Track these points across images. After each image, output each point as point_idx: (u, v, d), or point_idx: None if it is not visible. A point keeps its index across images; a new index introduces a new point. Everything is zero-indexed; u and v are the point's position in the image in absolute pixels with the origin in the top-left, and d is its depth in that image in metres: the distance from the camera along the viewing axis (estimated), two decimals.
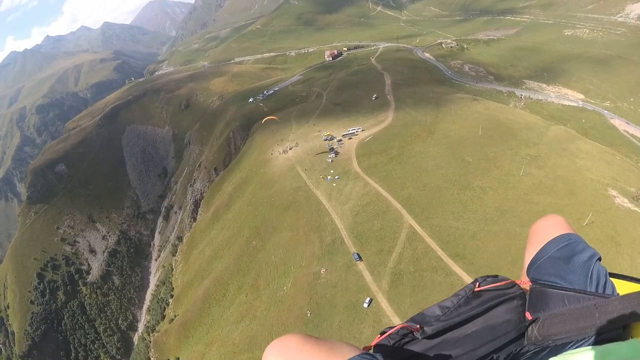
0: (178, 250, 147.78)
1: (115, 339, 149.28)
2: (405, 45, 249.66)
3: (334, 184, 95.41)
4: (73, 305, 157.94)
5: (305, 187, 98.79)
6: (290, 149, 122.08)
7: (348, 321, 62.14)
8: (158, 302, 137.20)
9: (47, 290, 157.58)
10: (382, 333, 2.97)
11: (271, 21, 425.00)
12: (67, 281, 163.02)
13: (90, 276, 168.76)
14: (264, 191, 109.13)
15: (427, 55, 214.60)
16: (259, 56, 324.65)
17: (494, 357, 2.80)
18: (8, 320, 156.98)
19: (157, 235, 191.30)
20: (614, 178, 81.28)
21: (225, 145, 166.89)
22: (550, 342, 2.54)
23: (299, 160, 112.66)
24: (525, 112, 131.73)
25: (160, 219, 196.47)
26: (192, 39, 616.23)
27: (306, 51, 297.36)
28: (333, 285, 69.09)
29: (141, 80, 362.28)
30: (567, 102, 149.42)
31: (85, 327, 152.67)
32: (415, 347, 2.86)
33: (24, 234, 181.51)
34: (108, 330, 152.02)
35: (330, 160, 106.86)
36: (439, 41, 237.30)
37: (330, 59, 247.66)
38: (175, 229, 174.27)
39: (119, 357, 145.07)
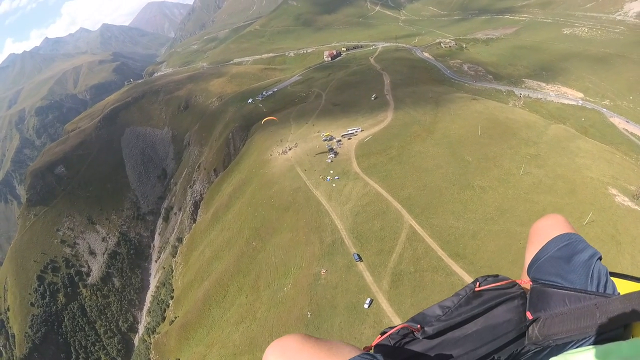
0: (178, 252, 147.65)
1: (115, 341, 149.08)
2: (404, 45, 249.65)
3: (334, 185, 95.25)
4: (73, 307, 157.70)
5: (305, 188, 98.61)
6: (289, 149, 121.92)
7: (349, 322, 61.98)
8: (158, 304, 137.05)
9: (48, 293, 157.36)
10: (383, 333, 2.96)
11: (270, 22, 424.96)
12: (67, 283, 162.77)
13: (90, 278, 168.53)
14: (263, 192, 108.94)
15: (426, 54, 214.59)
16: (257, 57, 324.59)
17: (495, 358, 2.77)
18: (8, 322, 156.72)
19: (156, 236, 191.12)
20: (614, 176, 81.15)
21: (225, 146, 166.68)
22: (551, 341, 2.53)
23: (299, 161, 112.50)
24: (524, 111, 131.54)
25: (160, 221, 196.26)
26: (191, 40, 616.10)
27: (305, 52, 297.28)
28: (333, 286, 68.93)
29: (140, 81, 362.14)
30: (566, 101, 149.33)
31: (86, 329, 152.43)
32: (416, 347, 2.85)
33: (23, 236, 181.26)
34: (108, 332, 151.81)
35: (329, 160, 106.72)
36: (437, 41, 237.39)
37: (329, 59, 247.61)
38: (175, 231, 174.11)
39: (119, 359, 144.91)
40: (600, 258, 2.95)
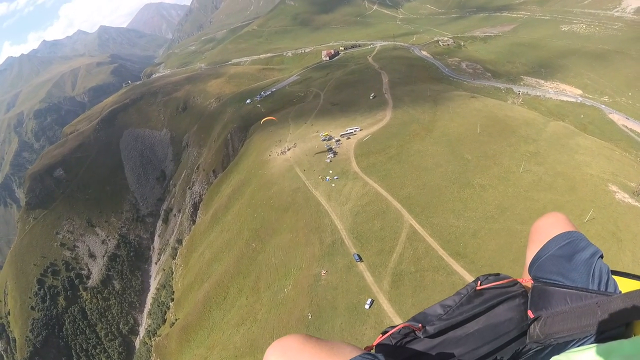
0: (178, 254, 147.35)
1: (116, 344, 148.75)
2: (402, 44, 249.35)
3: (333, 185, 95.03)
4: (74, 311, 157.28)
5: (304, 188, 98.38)
6: (288, 149, 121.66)
7: (349, 323, 61.74)
8: (159, 306, 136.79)
9: (48, 296, 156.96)
10: (384, 333, 2.95)
11: (267, 22, 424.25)
12: (68, 286, 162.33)
13: (90, 281, 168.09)
14: (262, 193, 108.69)
15: (424, 53, 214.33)
16: (255, 57, 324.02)
17: (498, 357, 2.79)
18: (9, 326, 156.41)
19: (156, 238, 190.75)
20: (614, 173, 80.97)
21: (224, 147, 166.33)
22: (552, 340, 2.54)
23: (298, 161, 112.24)
24: (523, 108, 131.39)
25: (160, 222, 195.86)
26: (189, 41, 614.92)
27: (303, 51, 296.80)
28: (334, 287, 68.69)
29: (138, 83, 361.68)
30: (565, 98, 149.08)
31: (87, 332, 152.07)
32: (418, 346, 2.85)
33: (23, 240, 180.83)
34: (109, 334, 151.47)
35: (328, 160, 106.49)
36: (435, 39, 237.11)
37: (327, 58, 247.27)
38: (174, 232, 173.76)
39: None
40: (601, 256, 2.96)
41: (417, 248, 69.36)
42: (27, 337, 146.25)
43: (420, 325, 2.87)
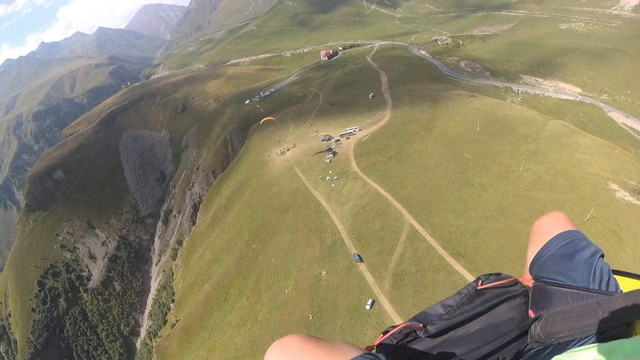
0: (178, 255, 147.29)
1: (117, 345, 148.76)
2: (401, 43, 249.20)
3: (333, 185, 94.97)
4: (74, 312, 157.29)
5: (304, 189, 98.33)
6: (287, 150, 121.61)
7: (350, 324, 61.71)
8: (159, 307, 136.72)
9: (48, 298, 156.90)
10: (385, 332, 2.95)
11: (266, 22, 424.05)
12: (68, 288, 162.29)
13: (91, 282, 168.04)
14: (262, 193, 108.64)
15: (423, 52, 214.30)
16: (254, 57, 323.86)
17: (500, 357, 2.79)
18: (10, 328, 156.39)
19: (156, 239, 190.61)
20: (614, 172, 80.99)
21: (223, 148, 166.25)
22: (553, 340, 2.55)
23: (297, 162, 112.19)
24: (522, 107, 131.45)
25: (160, 223, 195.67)
26: (187, 42, 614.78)
27: (301, 51, 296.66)
28: (334, 288, 68.65)
29: (137, 84, 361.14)
30: (564, 96, 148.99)
31: (88, 333, 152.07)
32: (419, 346, 2.84)
33: (23, 242, 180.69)
34: (110, 336, 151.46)
35: (328, 160, 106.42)
36: (434, 38, 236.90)
37: (326, 58, 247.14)
38: (174, 233, 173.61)
39: None
40: (602, 256, 2.96)
41: (417, 248, 69.32)
42: (28, 338, 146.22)
43: (421, 325, 2.86)
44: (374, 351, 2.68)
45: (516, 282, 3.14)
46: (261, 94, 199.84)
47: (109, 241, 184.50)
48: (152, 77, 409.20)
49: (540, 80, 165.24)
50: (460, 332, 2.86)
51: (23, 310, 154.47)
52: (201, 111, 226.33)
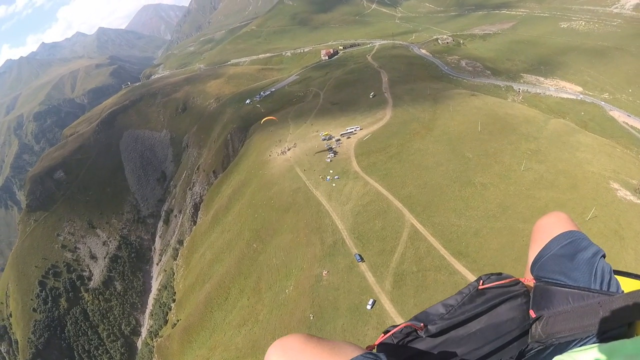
0: (179, 254, 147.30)
1: (118, 345, 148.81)
2: (401, 42, 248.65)
3: (334, 184, 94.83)
4: (76, 312, 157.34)
5: (305, 188, 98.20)
6: (288, 149, 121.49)
7: (351, 324, 61.60)
8: (160, 307, 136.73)
9: (50, 298, 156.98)
10: (386, 332, 2.95)
11: (266, 22, 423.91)
12: (69, 288, 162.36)
13: (92, 282, 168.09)
14: (263, 193, 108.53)
15: (424, 51, 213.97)
16: (254, 57, 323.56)
17: (501, 358, 2.79)
18: (11, 328, 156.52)
19: (157, 239, 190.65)
20: (615, 171, 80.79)
21: (223, 148, 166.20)
22: (554, 340, 2.54)
23: (298, 161, 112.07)
24: (523, 106, 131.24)
25: (161, 223, 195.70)
26: (188, 42, 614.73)
27: (302, 51, 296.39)
28: (335, 288, 68.54)
29: (137, 84, 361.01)
30: (565, 95, 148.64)
31: (89, 333, 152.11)
32: (419, 346, 2.84)
33: (24, 242, 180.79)
34: (111, 335, 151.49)
35: (329, 160, 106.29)
36: (435, 37, 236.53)
37: (326, 58, 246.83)
38: (175, 233, 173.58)
39: None
40: (603, 256, 2.97)
41: (418, 248, 69.20)
42: (29, 339, 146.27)
43: (422, 324, 2.86)
44: (374, 351, 2.66)
45: (517, 282, 3.14)
46: (262, 93, 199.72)
47: (110, 241, 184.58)
48: (153, 77, 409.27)
49: (541, 79, 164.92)
50: (461, 332, 2.85)
51: (24, 311, 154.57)
52: (202, 111, 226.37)
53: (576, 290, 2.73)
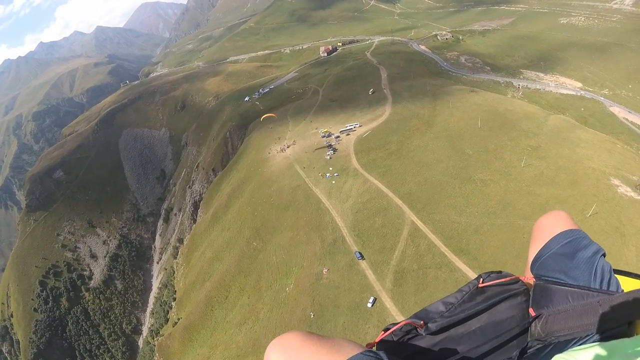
0: (179, 253, 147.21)
1: (120, 343, 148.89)
2: (400, 39, 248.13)
3: (333, 182, 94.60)
4: (77, 311, 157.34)
5: (305, 186, 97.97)
6: (287, 147, 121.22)
7: (352, 322, 61.49)
8: (161, 305, 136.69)
9: (50, 298, 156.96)
10: (386, 330, 2.93)
11: (264, 19, 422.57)
12: (70, 287, 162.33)
13: (92, 281, 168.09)
14: (262, 191, 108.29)
15: (423, 47, 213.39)
16: (253, 54, 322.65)
17: (501, 356, 2.79)
18: (12, 329, 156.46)
19: (157, 237, 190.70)
20: (615, 167, 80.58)
21: (223, 146, 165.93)
22: (553, 338, 2.56)
23: (297, 159, 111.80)
24: (523, 102, 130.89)
25: (160, 222, 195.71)
26: (186, 40, 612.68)
27: (300, 48, 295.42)
28: (336, 286, 68.41)
29: (136, 83, 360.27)
30: (565, 91, 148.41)
31: (90, 332, 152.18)
32: (420, 344, 2.83)
33: (24, 242, 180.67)
34: (113, 334, 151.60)
35: (328, 157, 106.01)
36: (434, 33, 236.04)
37: (325, 54, 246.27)
38: (175, 231, 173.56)
39: None
40: (604, 255, 2.98)
41: (419, 245, 69.03)
42: (30, 338, 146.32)
43: (422, 322, 2.87)
44: (374, 348, 2.67)
45: (517, 280, 3.13)
46: (260, 90, 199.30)
47: (110, 240, 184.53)
48: (151, 75, 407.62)
49: (541, 74, 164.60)
50: (461, 330, 2.85)
51: (25, 311, 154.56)
52: (200, 109, 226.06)
53: (576, 289, 2.75)
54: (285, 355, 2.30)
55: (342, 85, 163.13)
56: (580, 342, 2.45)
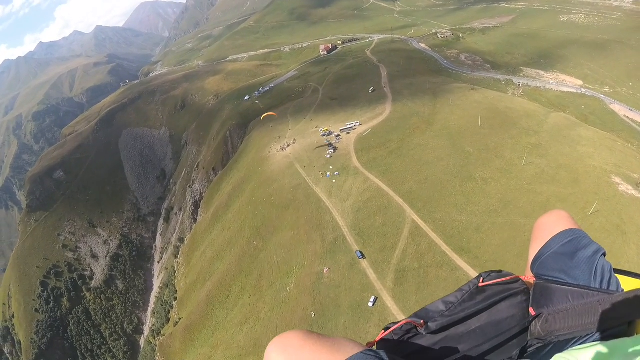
0: (180, 252, 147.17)
1: (121, 343, 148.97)
2: (400, 37, 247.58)
3: (334, 180, 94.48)
4: (78, 312, 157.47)
5: (305, 185, 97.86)
6: (288, 146, 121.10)
7: (353, 321, 61.44)
8: (162, 305, 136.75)
9: (51, 298, 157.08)
10: (386, 329, 2.93)
11: (264, 17, 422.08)
12: (71, 288, 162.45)
13: (93, 281, 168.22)
14: (263, 190, 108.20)
15: (423, 45, 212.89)
16: (253, 53, 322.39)
17: (501, 355, 2.80)
18: (14, 329, 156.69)
19: (158, 237, 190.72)
20: (616, 165, 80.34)
21: (223, 145, 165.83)
22: (553, 337, 2.57)
23: (298, 157, 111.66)
24: (524, 100, 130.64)
25: (161, 221, 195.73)
26: (186, 39, 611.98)
27: (300, 46, 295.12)
28: (337, 285, 68.33)
29: (136, 82, 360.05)
30: (565, 89, 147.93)
31: (91, 332, 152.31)
32: (420, 343, 2.83)
33: (25, 243, 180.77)
34: (114, 334, 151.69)
35: (328, 156, 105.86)
36: (434, 31, 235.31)
37: (325, 53, 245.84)
38: (176, 231, 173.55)
39: None
40: (604, 254, 2.98)
41: (420, 244, 68.91)
42: (32, 339, 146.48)
43: (422, 321, 2.87)
44: (375, 347, 2.66)
45: (517, 280, 3.13)
46: (260, 89, 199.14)
47: (111, 240, 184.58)
48: (151, 74, 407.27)
49: (541, 72, 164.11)
50: (461, 329, 2.85)
51: (26, 311, 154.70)
52: (200, 108, 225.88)
53: (576, 289, 2.75)
54: (286, 354, 2.29)
55: (342, 83, 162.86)
56: (581, 341, 2.46)
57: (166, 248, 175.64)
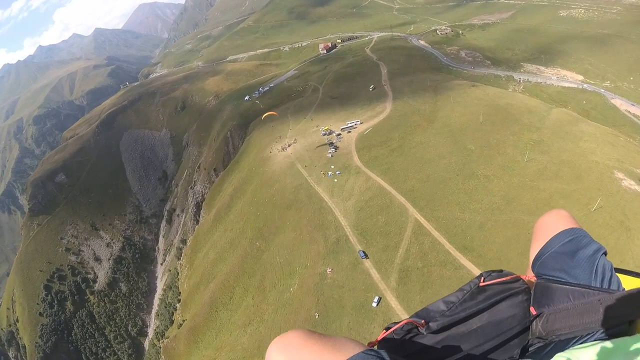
0: (182, 254, 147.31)
1: (126, 346, 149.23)
2: (400, 34, 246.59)
3: (335, 180, 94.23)
4: (82, 315, 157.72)
5: (307, 185, 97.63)
6: (289, 145, 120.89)
7: (357, 322, 61.24)
8: (166, 307, 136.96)
9: (55, 302, 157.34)
10: (387, 329, 2.93)
11: (263, 17, 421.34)
12: (75, 291, 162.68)
13: (97, 284, 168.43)
14: (264, 190, 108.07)
15: (422, 42, 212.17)
16: (252, 53, 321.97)
17: (501, 355, 2.81)
18: (18, 333, 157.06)
19: (161, 239, 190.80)
20: (619, 160, 79.84)
21: (224, 145, 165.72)
22: (554, 337, 2.57)
23: (299, 157, 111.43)
24: (525, 96, 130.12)
25: (163, 223, 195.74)
26: (185, 40, 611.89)
27: (300, 45, 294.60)
28: (340, 285, 68.13)
29: (136, 84, 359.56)
30: (566, 84, 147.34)
31: (96, 335, 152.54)
32: (421, 342, 2.84)
33: (28, 247, 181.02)
34: (118, 337, 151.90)
35: (330, 155, 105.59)
36: (433, 28, 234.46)
37: (325, 51, 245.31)
38: (178, 233, 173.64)
39: None
40: (605, 253, 2.99)
41: (423, 243, 68.63)
42: (36, 343, 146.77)
43: (423, 321, 2.88)
44: (376, 347, 2.68)
45: (518, 279, 3.13)
46: (260, 89, 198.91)
47: (114, 242, 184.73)
48: (151, 76, 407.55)
49: (542, 68, 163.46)
50: (462, 329, 2.86)
51: (30, 315, 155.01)
52: (201, 109, 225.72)
53: (577, 288, 2.75)
54: (286, 354, 2.29)
55: (342, 82, 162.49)
56: (581, 340, 2.46)
57: (169, 250, 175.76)
